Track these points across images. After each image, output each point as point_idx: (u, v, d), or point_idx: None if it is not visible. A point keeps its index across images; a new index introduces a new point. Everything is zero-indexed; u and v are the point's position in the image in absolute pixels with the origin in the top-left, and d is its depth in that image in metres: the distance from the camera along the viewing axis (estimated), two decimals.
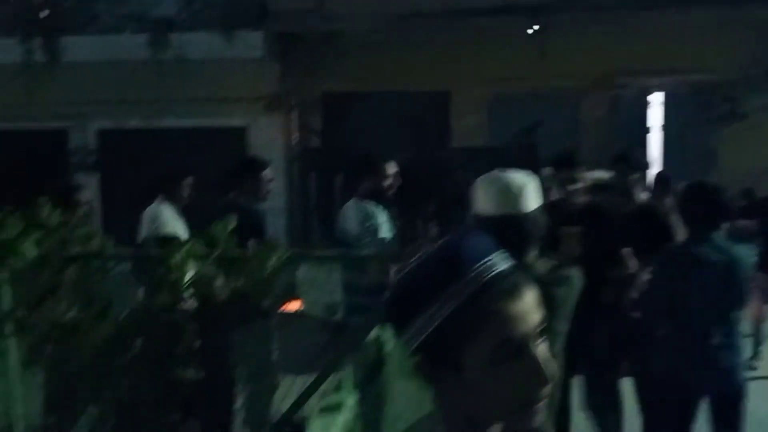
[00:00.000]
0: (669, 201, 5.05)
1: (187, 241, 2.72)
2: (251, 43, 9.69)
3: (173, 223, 4.68)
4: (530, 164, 6.70)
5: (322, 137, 10.22)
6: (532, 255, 2.16)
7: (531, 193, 2.12)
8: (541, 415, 1.01)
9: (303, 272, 3.87)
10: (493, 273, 1.00)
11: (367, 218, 3.88)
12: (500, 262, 1.02)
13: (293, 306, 3.94)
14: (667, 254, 3.61)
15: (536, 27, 10.08)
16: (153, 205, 4.91)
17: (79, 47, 9.68)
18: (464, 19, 9.64)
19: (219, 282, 2.63)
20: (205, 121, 10.03)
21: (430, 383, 1.03)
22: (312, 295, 3.93)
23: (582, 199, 4.39)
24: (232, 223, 2.74)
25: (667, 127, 10.67)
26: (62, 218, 2.89)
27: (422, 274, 1.03)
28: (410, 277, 1.06)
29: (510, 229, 2.04)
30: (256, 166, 4.59)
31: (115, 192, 10.35)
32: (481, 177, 2.20)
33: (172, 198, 4.85)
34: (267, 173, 4.57)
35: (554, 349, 2.12)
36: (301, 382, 3.48)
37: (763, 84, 9.87)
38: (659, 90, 10.53)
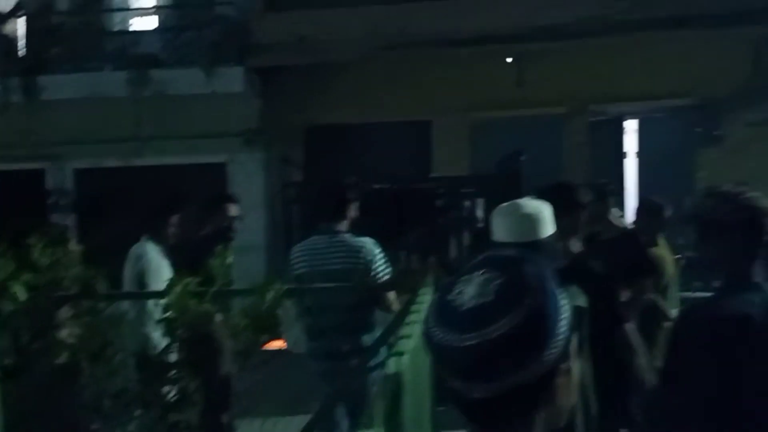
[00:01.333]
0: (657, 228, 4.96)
1: (183, 279, 2.66)
2: (231, 78, 9.70)
3: (159, 262, 4.58)
4: (514, 192, 6.77)
5: (305, 171, 10.21)
6: None
7: (546, 219, 2.22)
8: None
9: (285, 309, 3.80)
10: (563, 340, 0.95)
11: (363, 252, 3.76)
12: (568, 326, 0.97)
13: (276, 344, 3.85)
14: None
15: (512, 57, 10.26)
16: (138, 244, 4.81)
17: (57, 85, 9.61)
18: (443, 49, 9.78)
19: (217, 319, 2.56)
20: (185, 158, 9.95)
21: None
22: (295, 332, 3.85)
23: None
24: (229, 258, 2.69)
25: (643, 153, 10.83)
26: (54, 258, 2.81)
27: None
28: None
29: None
30: (221, 202, 4.40)
31: (94, 233, 10.19)
32: (499, 206, 2.34)
33: (157, 237, 4.75)
34: (233, 210, 4.39)
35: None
36: (284, 422, 3.39)
37: (738, 107, 10.09)
38: (635, 116, 10.71)
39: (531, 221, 2.19)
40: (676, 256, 5.11)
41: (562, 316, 0.94)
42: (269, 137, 10.22)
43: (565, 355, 0.95)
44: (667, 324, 4.13)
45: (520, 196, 6.50)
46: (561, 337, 0.93)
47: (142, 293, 3.02)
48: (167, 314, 2.59)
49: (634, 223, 5.22)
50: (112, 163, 10.05)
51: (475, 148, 10.51)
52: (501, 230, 2.29)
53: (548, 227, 2.22)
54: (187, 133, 9.83)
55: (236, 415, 2.80)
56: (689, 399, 1.88)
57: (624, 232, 4.93)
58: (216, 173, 10.23)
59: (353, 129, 10.52)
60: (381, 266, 3.78)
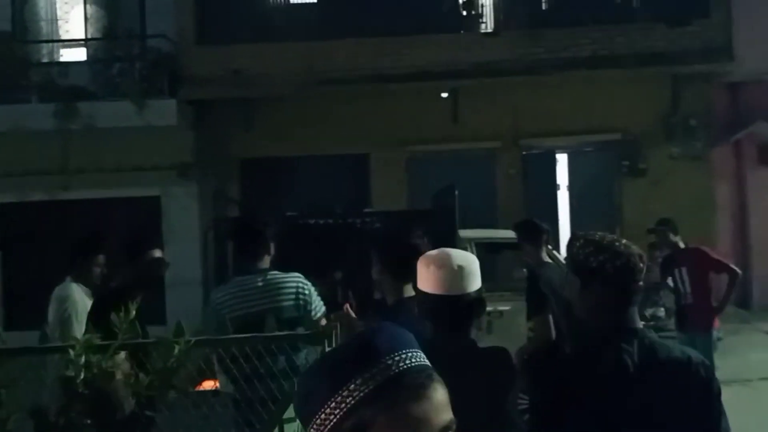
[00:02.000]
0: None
1: (86, 333, 2.56)
2: (164, 111, 9.57)
3: (84, 304, 4.39)
4: (448, 227, 6.86)
5: (241, 204, 10.09)
6: (472, 333, 2.18)
7: (472, 273, 2.13)
8: None
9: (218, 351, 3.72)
10: (403, 367, 0.96)
11: (300, 288, 3.66)
12: (412, 357, 0.98)
13: (209, 384, 3.75)
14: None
15: (447, 93, 10.48)
16: (62, 286, 4.61)
17: None
18: (379, 83, 9.90)
19: (119, 376, 2.47)
20: (116, 192, 9.71)
21: None
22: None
23: None
24: (133, 311, 2.60)
25: (573, 185, 11.17)
26: None
27: (331, 359, 1.01)
28: (319, 363, 1.03)
29: (451, 308, 2.09)
30: (142, 248, 4.04)
31: (19, 269, 9.80)
32: (424, 255, 2.21)
33: (82, 277, 4.56)
34: (156, 254, 4.05)
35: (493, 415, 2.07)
36: None
37: (661, 140, 10.54)
38: (565, 150, 11.05)
39: (456, 273, 2.10)
40: None
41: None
42: (203, 170, 10.09)
43: None
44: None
45: (455, 230, 6.59)
46: None
47: (43, 347, 2.90)
48: (67, 371, 2.49)
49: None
50: (38, 197, 9.73)
51: (412, 181, 10.62)
52: (423, 279, 2.17)
53: (473, 281, 2.14)
54: (118, 166, 9.62)
55: None
56: None
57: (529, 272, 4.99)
58: (149, 206, 10.02)
59: (289, 162, 10.50)
60: (317, 302, 3.70)
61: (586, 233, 1.99)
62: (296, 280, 3.69)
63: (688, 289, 5.97)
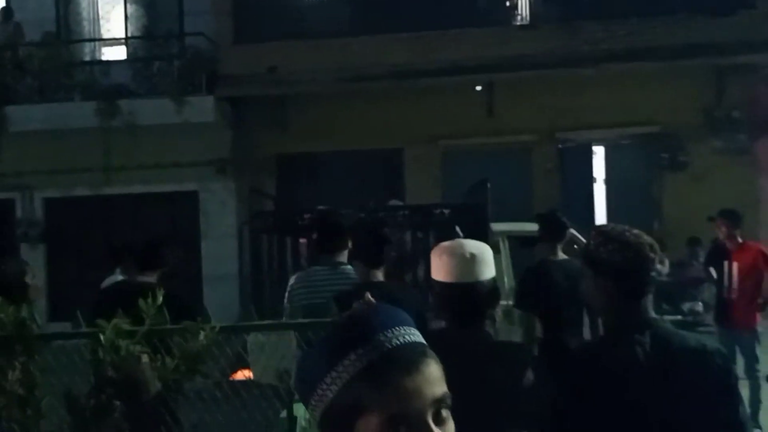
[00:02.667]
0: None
1: (114, 319, 2.63)
2: (202, 108, 9.75)
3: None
4: (479, 221, 6.82)
5: (276, 200, 10.21)
6: (485, 322, 2.18)
7: (485, 262, 2.14)
8: None
9: (253, 338, 3.77)
10: (399, 342, 0.97)
11: None
12: (406, 334, 0.98)
13: (242, 374, 3.81)
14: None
15: (481, 86, 10.41)
16: (111, 276, 4.77)
17: (26, 116, 9.60)
18: (413, 79, 9.89)
19: (145, 360, 2.53)
20: (155, 187, 9.94)
21: None
22: (262, 362, 3.81)
23: None
24: (160, 297, 2.67)
25: (610, 179, 10.97)
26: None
27: (327, 338, 1.02)
28: (312, 348, 1.04)
29: (463, 297, 2.10)
30: (160, 248, 4.11)
31: (63, 262, 10.11)
32: (438, 246, 2.23)
33: (131, 269, 4.67)
34: (175, 253, 4.11)
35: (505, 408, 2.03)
36: None
37: (703, 134, 10.27)
38: (602, 143, 10.86)
39: (468, 262, 2.10)
40: None
41: None
42: (240, 166, 10.25)
43: None
44: None
45: (487, 223, 6.56)
46: None
47: (74, 332, 2.99)
48: (97, 354, 2.57)
49: None
50: (81, 192, 10.02)
51: (447, 176, 10.59)
52: (437, 269, 2.19)
53: (486, 270, 2.13)
54: (157, 162, 9.84)
55: None
56: None
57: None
58: (188, 202, 10.23)
59: (324, 158, 10.58)
60: None
61: (601, 225, 1.97)
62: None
63: (735, 285, 5.79)
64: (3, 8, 10.48)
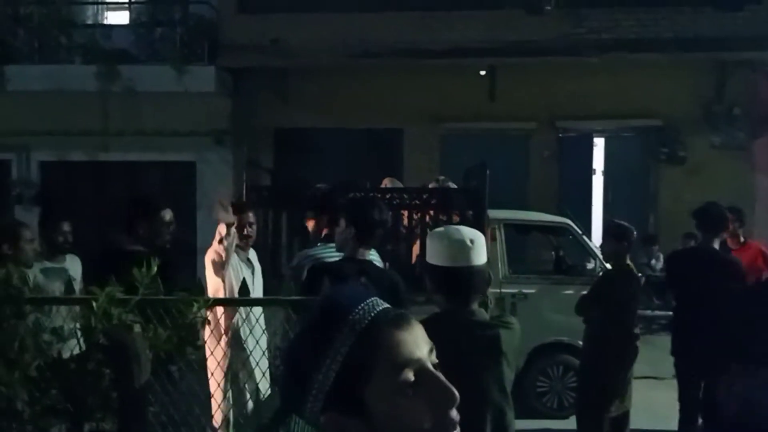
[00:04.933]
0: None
1: (107, 286, 2.63)
2: (203, 77, 9.66)
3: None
4: (476, 206, 6.80)
5: (273, 173, 10.17)
6: (475, 304, 2.30)
7: (478, 248, 2.25)
8: None
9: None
10: (377, 310, 0.99)
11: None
12: (380, 303, 1.01)
13: None
14: None
15: (485, 70, 10.34)
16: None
17: (25, 76, 9.51)
18: (416, 59, 9.82)
19: (137, 329, 2.54)
20: (152, 155, 9.88)
21: None
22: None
23: None
24: (155, 267, 2.67)
25: (608, 170, 10.96)
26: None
27: (303, 334, 1.02)
28: (294, 342, 1.04)
29: (456, 280, 2.23)
30: (150, 207, 3.95)
31: (56, 226, 10.06)
32: (433, 231, 2.39)
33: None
34: (167, 216, 4.02)
35: (498, 388, 2.18)
36: None
37: (702, 129, 10.26)
38: (602, 133, 10.84)
39: (461, 248, 2.23)
40: (639, 275, 5.17)
41: None
42: (238, 138, 10.19)
43: None
44: None
45: (484, 209, 6.53)
46: None
47: (67, 298, 2.99)
48: (89, 321, 2.57)
49: (602, 246, 5.32)
50: (78, 157, 9.95)
51: (445, 158, 10.56)
52: (432, 253, 2.32)
53: (478, 255, 2.25)
54: (156, 130, 9.76)
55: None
56: None
57: None
58: (185, 171, 10.18)
59: (323, 134, 10.52)
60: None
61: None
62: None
63: None
64: None
